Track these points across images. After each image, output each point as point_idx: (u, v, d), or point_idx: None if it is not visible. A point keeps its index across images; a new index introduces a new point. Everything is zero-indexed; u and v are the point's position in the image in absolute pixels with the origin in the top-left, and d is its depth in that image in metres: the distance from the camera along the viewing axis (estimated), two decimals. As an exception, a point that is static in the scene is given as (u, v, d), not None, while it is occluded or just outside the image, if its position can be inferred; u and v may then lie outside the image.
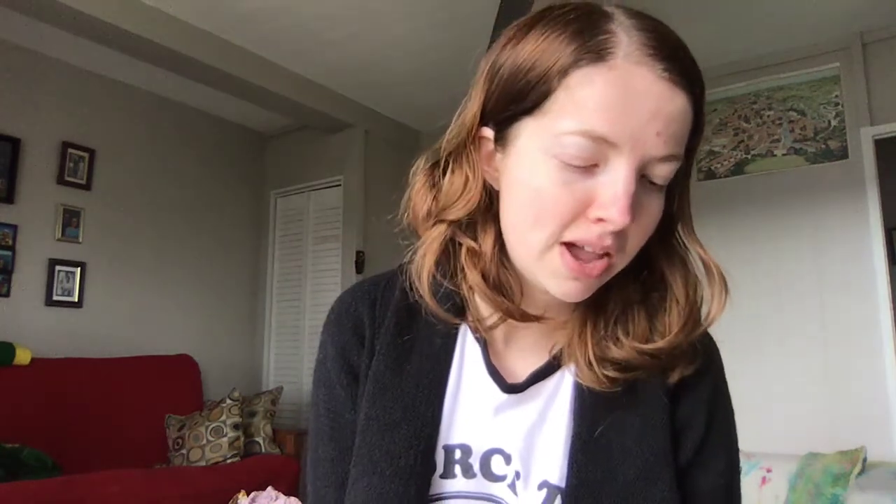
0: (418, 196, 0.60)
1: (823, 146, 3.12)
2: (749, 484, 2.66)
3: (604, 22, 0.48)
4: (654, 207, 0.51)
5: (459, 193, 0.57)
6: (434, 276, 0.58)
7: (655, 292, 0.57)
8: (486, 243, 0.57)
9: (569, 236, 0.50)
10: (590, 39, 0.47)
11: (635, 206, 0.48)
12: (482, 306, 0.59)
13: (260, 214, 4.58)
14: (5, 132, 3.18)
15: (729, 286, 0.55)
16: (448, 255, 0.59)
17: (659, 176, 0.49)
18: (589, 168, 0.48)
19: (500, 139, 0.54)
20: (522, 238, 0.53)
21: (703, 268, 0.56)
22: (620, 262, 0.52)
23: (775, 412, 2.95)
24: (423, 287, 0.58)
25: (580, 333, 0.58)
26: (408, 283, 0.60)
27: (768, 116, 3.29)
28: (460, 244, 0.59)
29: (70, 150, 3.42)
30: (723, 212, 3.20)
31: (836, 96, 3.12)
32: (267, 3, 2.90)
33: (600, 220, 0.48)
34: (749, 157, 3.31)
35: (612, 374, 0.55)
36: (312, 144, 4.35)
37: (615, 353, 0.56)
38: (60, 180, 3.37)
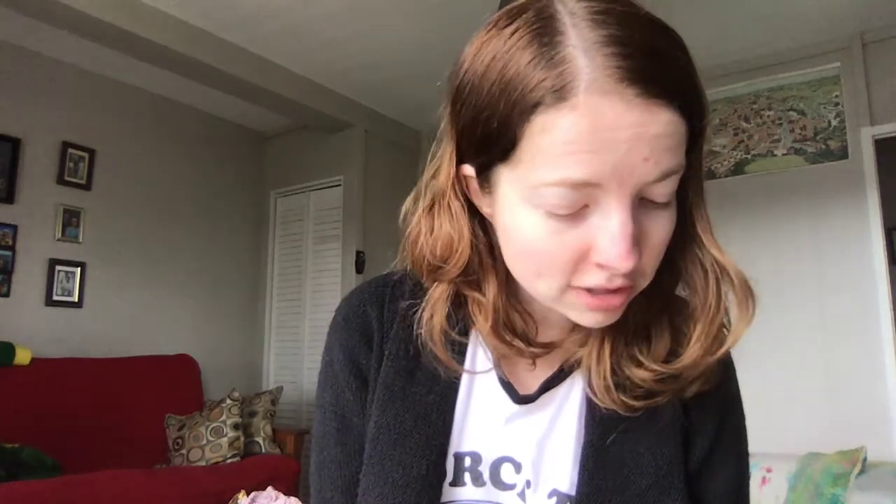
0: (415, 246, 0.56)
1: (823, 146, 3.12)
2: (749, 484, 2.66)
3: (559, 42, 0.42)
4: (663, 226, 0.47)
5: (448, 250, 0.54)
6: (448, 334, 0.57)
7: (680, 302, 0.54)
8: (491, 292, 0.55)
9: (578, 283, 0.47)
10: (545, 77, 0.41)
11: (639, 238, 0.45)
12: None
13: (260, 214, 4.58)
14: (5, 132, 3.18)
15: (755, 293, 0.50)
16: (457, 303, 0.58)
17: (660, 195, 0.45)
18: (579, 212, 0.44)
19: (484, 181, 0.50)
20: (531, 287, 0.50)
21: (720, 273, 0.51)
22: (643, 283, 0.49)
23: (775, 412, 2.94)
24: (437, 347, 0.56)
25: (598, 351, 0.55)
26: (419, 341, 0.58)
27: (768, 116, 3.29)
28: (465, 295, 0.57)
29: (70, 150, 3.42)
30: (723, 212, 3.20)
31: (836, 96, 3.12)
32: (267, 3, 2.90)
33: (602, 265, 0.45)
34: (749, 157, 3.31)
35: (630, 401, 0.53)
36: (312, 144, 4.35)
37: (635, 374, 0.53)
38: (60, 180, 3.37)
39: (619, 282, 0.46)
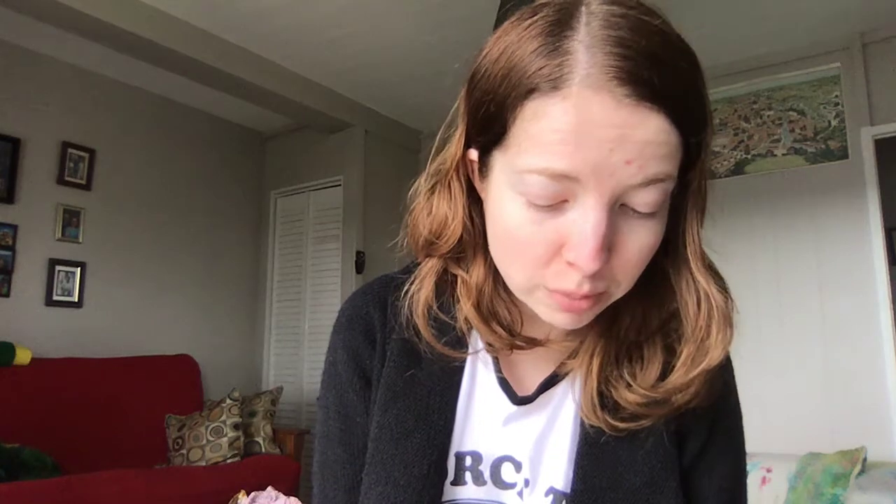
0: (416, 222, 0.58)
1: (823, 146, 3.12)
2: (749, 484, 2.64)
3: (566, 37, 0.43)
4: (644, 237, 0.46)
5: (442, 226, 0.55)
6: (432, 309, 0.58)
7: (677, 319, 0.53)
8: (477, 274, 0.56)
9: (555, 286, 0.47)
10: (544, 65, 0.42)
11: (615, 241, 0.45)
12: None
13: (260, 214, 4.58)
14: (5, 132, 3.18)
15: (734, 325, 0.50)
16: (448, 284, 0.58)
17: (643, 204, 0.44)
18: (558, 205, 0.44)
19: (483, 165, 0.51)
20: (506, 275, 0.51)
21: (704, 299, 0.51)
22: (616, 292, 0.49)
23: (775, 412, 2.94)
24: (420, 322, 0.57)
25: (587, 367, 0.56)
26: (403, 318, 0.58)
27: (768, 116, 3.29)
28: (454, 275, 0.58)
29: (70, 150, 3.42)
30: (723, 212, 3.19)
31: (836, 96, 3.12)
32: (267, 3, 2.90)
33: (570, 262, 0.45)
34: (749, 157, 3.31)
35: (615, 422, 0.53)
36: (312, 144, 4.35)
37: (622, 396, 0.53)
38: (60, 180, 3.37)
39: (586, 288, 0.46)
